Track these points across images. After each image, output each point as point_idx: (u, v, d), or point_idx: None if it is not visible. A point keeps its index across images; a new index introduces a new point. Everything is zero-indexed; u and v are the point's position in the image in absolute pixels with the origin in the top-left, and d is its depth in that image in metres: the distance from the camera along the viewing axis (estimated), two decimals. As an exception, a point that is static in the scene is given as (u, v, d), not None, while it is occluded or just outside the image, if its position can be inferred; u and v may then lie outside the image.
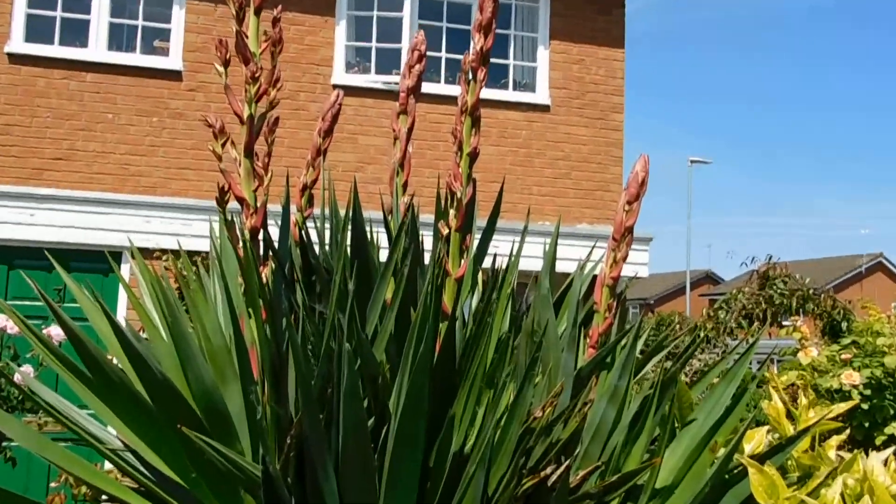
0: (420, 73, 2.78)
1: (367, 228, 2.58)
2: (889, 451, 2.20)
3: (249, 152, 2.19)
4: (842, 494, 1.97)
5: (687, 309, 33.66)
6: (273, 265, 2.33)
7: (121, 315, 8.20)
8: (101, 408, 2.26)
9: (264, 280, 2.21)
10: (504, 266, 2.71)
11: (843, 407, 2.58)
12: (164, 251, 7.77)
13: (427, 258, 2.42)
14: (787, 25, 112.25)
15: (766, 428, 2.45)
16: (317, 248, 2.67)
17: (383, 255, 2.57)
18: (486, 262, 2.81)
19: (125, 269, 8.32)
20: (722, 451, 2.24)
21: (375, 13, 9.58)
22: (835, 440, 2.43)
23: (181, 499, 2.17)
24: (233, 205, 2.28)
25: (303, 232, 2.63)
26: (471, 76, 2.35)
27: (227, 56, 2.19)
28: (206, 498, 2.16)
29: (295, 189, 2.70)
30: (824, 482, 2.03)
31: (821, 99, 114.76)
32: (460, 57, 9.90)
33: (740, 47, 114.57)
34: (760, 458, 2.18)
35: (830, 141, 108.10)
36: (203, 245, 6.71)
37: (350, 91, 8.99)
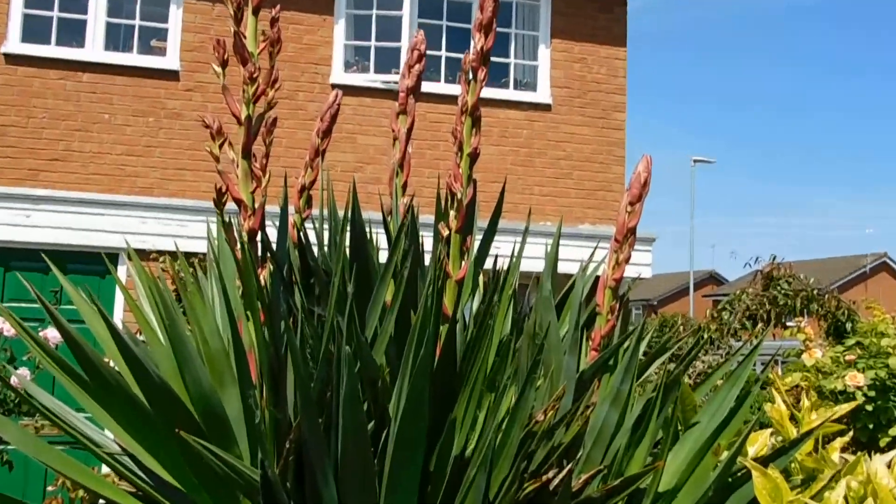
0: (420, 73, 2.78)
1: (367, 229, 2.58)
2: (893, 452, 2.20)
3: (247, 153, 2.19)
4: (845, 497, 1.98)
5: (690, 310, 33.66)
6: (271, 267, 2.33)
7: (117, 317, 8.19)
8: (99, 411, 2.26)
9: (262, 282, 2.21)
10: (505, 267, 2.71)
11: (845, 408, 2.59)
12: (160, 253, 7.77)
13: (427, 259, 2.42)
14: (788, 26, 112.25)
15: (770, 431, 2.46)
16: (315, 250, 2.68)
17: (383, 257, 2.57)
18: (488, 264, 2.81)
19: (122, 271, 8.32)
20: (725, 454, 2.24)
21: (374, 12, 9.58)
22: (838, 442, 2.44)
23: (179, 503, 2.17)
24: (230, 206, 2.28)
25: (301, 233, 2.63)
26: (471, 76, 2.35)
27: (225, 56, 2.19)
28: (205, 502, 2.16)
29: (293, 190, 2.70)
30: (828, 485, 2.03)
31: (824, 99, 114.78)
32: (460, 56, 9.90)
33: (742, 47, 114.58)
34: (764, 461, 2.18)
35: (834, 141, 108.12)
36: (200, 247, 6.70)
37: (349, 90, 8.99)
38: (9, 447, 4.95)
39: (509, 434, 2.09)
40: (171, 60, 9.08)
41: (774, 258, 12.18)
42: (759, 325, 11.52)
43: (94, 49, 8.95)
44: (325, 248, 2.74)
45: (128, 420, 2.20)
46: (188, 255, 3.90)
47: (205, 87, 8.96)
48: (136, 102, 8.94)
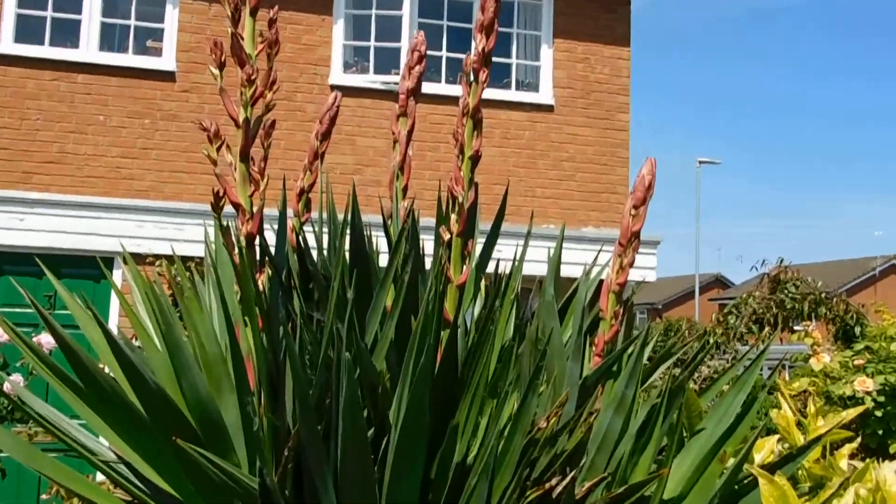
0: (420, 75, 2.79)
1: (367, 233, 2.59)
2: (903, 460, 2.20)
3: (245, 157, 2.19)
4: (854, 505, 1.98)
5: (696, 313, 33.65)
6: (270, 272, 2.33)
7: (113, 322, 8.20)
8: (93, 418, 2.26)
9: (261, 287, 2.22)
10: (507, 272, 2.71)
11: (852, 413, 2.59)
12: (157, 257, 7.78)
13: (428, 263, 2.42)
14: (791, 26, 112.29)
15: (777, 437, 2.46)
16: (315, 254, 2.68)
17: (383, 260, 2.58)
18: (489, 267, 2.82)
19: (117, 275, 8.33)
20: (731, 461, 2.24)
21: (374, 11, 9.60)
22: (847, 449, 2.44)
23: (176, 512, 2.18)
24: (228, 209, 2.29)
25: (300, 237, 2.64)
26: (472, 78, 2.36)
27: (223, 58, 2.20)
28: (202, 511, 2.16)
29: (291, 193, 2.70)
30: (836, 493, 2.03)
31: (832, 99, 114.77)
32: (461, 56, 9.91)
33: (747, 46, 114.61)
34: (771, 468, 2.18)
35: (842, 142, 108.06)
36: (197, 250, 6.72)
37: (348, 91, 9.01)
38: (2, 455, 4.95)
39: (511, 441, 2.09)
40: (167, 61, 9.10)
41: (782, 261, 12.19)
42: (766, 329, 11.52)
43: (88, 49, 8.96)
44: (325, 253, 2.75)
45: (123, 427, 2.20)
46: (185, 259, 3.92)
47: (201, 88, 8.98)
48: (132, 104, 8.95)
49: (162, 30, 9.18)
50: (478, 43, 2.36)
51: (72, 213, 8.53)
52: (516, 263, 2.74)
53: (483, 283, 2.92)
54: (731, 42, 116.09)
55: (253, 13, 2.23)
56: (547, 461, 2.18)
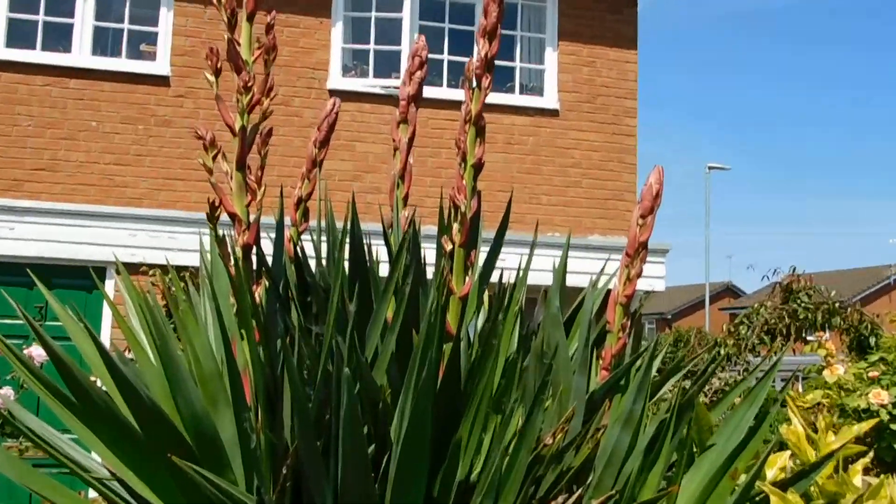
0: (421, 81, 2.80)
1: (366, 243, 2.59)
2: (920, 476, 2.20)
3: (242, 165, 2.20)
4: (870, 523, 1.97)
5: (706, 323, 33.60)
6: (267, 284, 2.34)
7: (105, 333, 8.21)
8: (86, 433, 2.26)
9: (257, 300, 2.22)
10: (511, 282, 2.71)
11: (865, 426, 2.58)
12: (150, 266, 7.79)
13: (430, 273, 2.43)
14: (793, 24, 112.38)
15: (789, 452, 2.45)
16: (313, 265, 2.68)
17: (383, 270, 2.58)
18: (493, 277, 2.82)
19: (109, 286, 8.34)
20: (743, 478, 2.24)
21: (373, 14, 9.62)
22: (860, 464, 2.44)
23: (170, 531, 2.17)
24: (224, 218, 2.29)
25: (298, 248, 2.64)
26: (475, 84, 2.36)
27: (219, 65, 2.20)
28: (197, 530, 2.16)
29: (289, 200, 2.71)
30: (851, 511, 2.03)
31: (844, 105, 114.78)
32: (463, 59, 9.93)
33: (753, 46, 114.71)
34: (783, 485, 2.18)
35: (855, 148, 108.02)
36: (192, 259, 6.73)
37: (347, 96, 9.03)
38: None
39: (516, 458, 2.09)
40: (161, 65, 9.12)
41: (794, 269, 12.17)
42: (779, 339, 11.50)
43: (81, 54, 8.99)
44: (323, 261, 2.75)
45: (116, 443, 2.20)
46: (180, 268, 3.92)
47: (196, 92, 8.99)
48: (125, 109, 8.97)
49: (156, 33, 9.21)
50: (480, 48, 2.37)
51: (63, 222, 8.54)
52: (521, 273, 2.74)
53: (486, 294, 2.92)
54: (736, 43, 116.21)
55: (250, 18, 2.24)
56: (553, 478, 2.18)
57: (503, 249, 2.75)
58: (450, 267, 2.37)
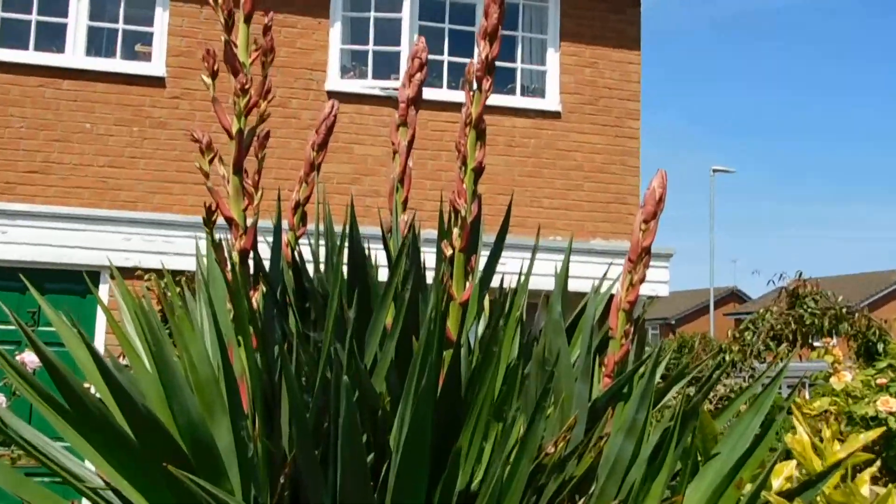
0: (421, 83, 2.80)
1: (365, 247, 2.59)
2: (928, 486, 2.20)
3: (238, 169, 2.20)
4: (878, 534, 1.98)
5: (711, 329, 33.62)
6: (264, 289, 2.34)
7: (99, 339, 8.21)
8: (80, 441, 2.26)
9: (255, 305, 2.22)
10: (512, 287, 2.72)
11: (872, 435, 2.59)
12: (145, 271, 7.79)
13: (429, 277, 2.43)
14: (800, 23, 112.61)
15: (796, 462, 2.46)
16: (311, 270, 2.69)
17: (382, 274, 2.58)
18: (494, 282, 2.82)
19: (104, 290, 8.34)
20: (748, 488, 2.24)
21: (372, 14, 9.64)
22: (868, 473, 2.44)
23: (166, 541, 2.17)
24: (220, 222, 2.29)
25: (296, 253, 2.64)
26: (475, 86, 2.37)
27: (215, 66, 2.21)
28: (193, 540, 2.16)
29: (286, 204, 2.71)
30: (859, 521, 2.03)
31: (851, 105, 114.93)
32: (463, 60, 9.93)
33: (757, 47, 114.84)
34: (789, 495, 2.19)
35: (864, 151, 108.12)
36: (187, 264, 6.72)
37: (345, 97, 9.03)
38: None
39: (518, 467, 2.09)
40: (156, 66, 9.13)
41: (800, 274, 12.16)
42: (785, 345, 11.50)
43: (74, 54, 9.00)
44: (322, 265, 2.76)
45: (111, 452, 2.20)
46: (175, 272, 3.93)
47: (192, 94, 9.00)
48: (120, 111, 8.98)
49: (151, 34, 9.22)
50: (481, 50, 2.37)
51: (56, 226, 8.54)
52: (522, 278, 2.74)
53: (487, 299, 2.93)
54: (741, 44, 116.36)
55: (247, 20, 2.25)
56: (555, 488, 2.18)
57: (504, 254, 2.75)
58: (450, 272, 2.37)
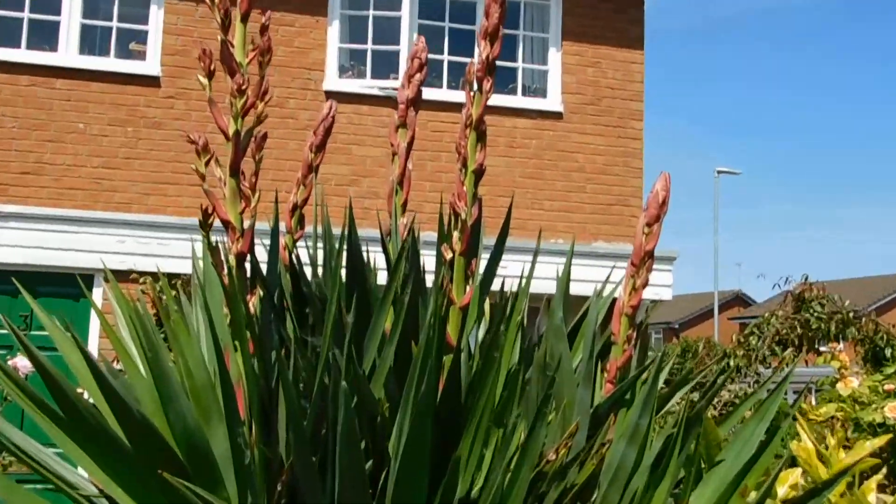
0: (420, 83, 2.81)
1: (364, 249, 2.60)
2: (936, 494, 2.20)
3: (235, 171, 2.20)
4: (884, 543, 1.98)
5: (715, 333, 33.61)
6: (261, 293, 2.34)
7: (93, 343, 8.22)
8: (73, 448, 2.27)
9: (252, 310, 2.22)
10: (513, 291, 2.72)
11: (878, 442, 2.60)
12: (140, 274, 7.80)
13: (429, 280, 2.43)
14: (807, 22, 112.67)
15: (801, 469, 2.46)
16: (308, 273, 2.69)
17: (381, 278, 2.59)
18: (495, 285, 2.83)
19: (97, 294, 8.35)
20: (753, 495, 2.24)
21: (371, 12, 9.65)
22: (874, 481, 2.45)
23: (161, 550, 2.18)
24: (217, 224, 2.30)
25: (293, 256, 2.65)
26: (476, 87, 2.37)
27: (212, 66, 2.21)
28: (189, 549, 2.16)
29: (284, 206, 2.71)
30: (865, 530, 2.03)
31: (857, 107, 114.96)
32: (464, 60, 9.95)
33: (768, 45, 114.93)
34: (795, 504, 2.19)
35: (871, 153, 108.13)
36: (183, 267, 6.74)
37: (344, 97, 9.05)
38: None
39: (518, 474, 2.10)
40: (151, 65, 9.14)
41: (806, 278, 12.18)
42: (790, 350, 11.50)
43: (68, 53, 9.01)
44: (320, 268, 2.76)
45: (105, 458, 2.20)
46: (171, 276, 3.93)
47: (188, 93, 9.01)
48: (114, 111, 8.99)
49: (146, 32, 9.23)
50: (482, 50, 2.38)
51: (49, 228, 8.55)
52: (523, 282, 2.74)
53: (487, 303, 2.93)
54: (744, 44, 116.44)
55: (244, 19, 2.25)
56: (556, 495, 2.18)
57: (505, 257, 2.76)
58: (450, 276, 2.38)
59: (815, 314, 11.65)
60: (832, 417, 5.32)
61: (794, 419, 4.60)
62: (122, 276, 7.86)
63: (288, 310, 2.51)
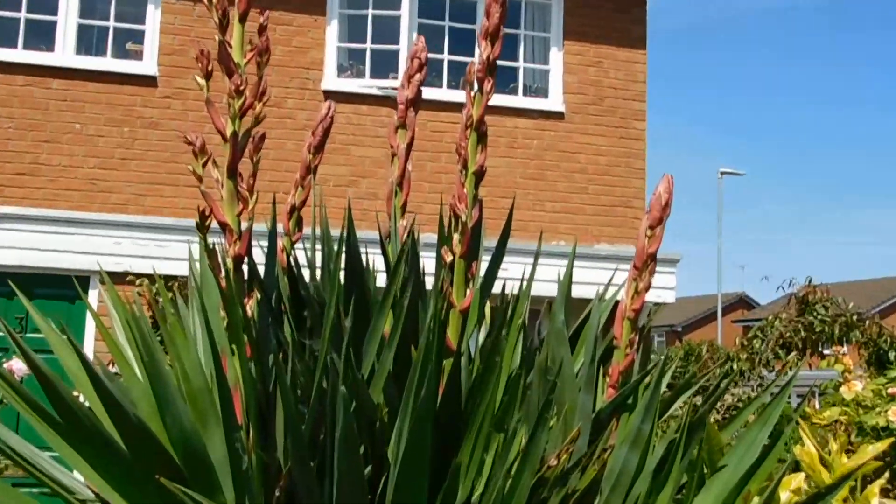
0: (420, 84, 2.81)
1: (363, 251, 2.60)
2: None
3: (233, 173, 2.21)
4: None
5: (718, 336, 33.60)
6: (259, 296, 2.34)
7: (88, 345, 8.21)
8: (69, 452, 2.27)
9: (249, 313, 2.22)
10: (514, 293, 2.72)
11: (880, 446, 2.60)
12: (137, 276, 7.80)
13: (429, 283, 2.43)
14: (810, 22, 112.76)
15: (804, 474, 2.46)
16: (307, 276, 2.69)
17: (380, 280, 2.59)
18: (496, 288, 2.82)
19: (93, 296, 8.34)
20: (756, 500, 2.24)
21: (370, 11, 9.65)
22: (877, 485, 2.44)
23: (157, 555, 2.18)
24: (214, 226, 2.30)
25: (291, 258, 2.65)
26: (476, 87, 2.37)
27: (209, 67, 2.21)
28: (185, 555, 2.16)
29: (282, 207, 2.71)
30: (870, 535, 2.03)
31: (861, 109, 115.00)
32: (464, 59, 9.94)
33: (771, 45, 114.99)
34: (798, 509, 2.19)
35: (875, 154, 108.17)
36: (180, 269, 6.73)
37: (343, 97, 9.05)
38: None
39: (519, 480, 2.10)
40: (147, 65, 9.14)
41: (810, 280, 12.17)
42: (794, 353, 11.50)
43: (64, 53, 9.01)
44: (318, 274, 2.76)
45: (101, 463, 2.20)
46: (167, 278, 3.93)
47: (185, 94, 9.01)
48: (110, 111, 8.99)
49: (143, 32, 9.23)
50: (482, 50, 2.38)
51: (45, 229, 8.55)
52: (524, 285, 2.74)
53: (488, 306, 2.93)
54: (747, 44, 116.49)
55: (242, 19, 2.25)
56: (557, 501, 2.18)
57: (505, 259, 2.75)
58: (450, 279, 2.38)
59: (819, 317, 11.63)
60: (836, 421, 5.31)
61: (797, 423, 4.60)
62: (119, 277, 7.86)
63: (286, 313, 2.51)
